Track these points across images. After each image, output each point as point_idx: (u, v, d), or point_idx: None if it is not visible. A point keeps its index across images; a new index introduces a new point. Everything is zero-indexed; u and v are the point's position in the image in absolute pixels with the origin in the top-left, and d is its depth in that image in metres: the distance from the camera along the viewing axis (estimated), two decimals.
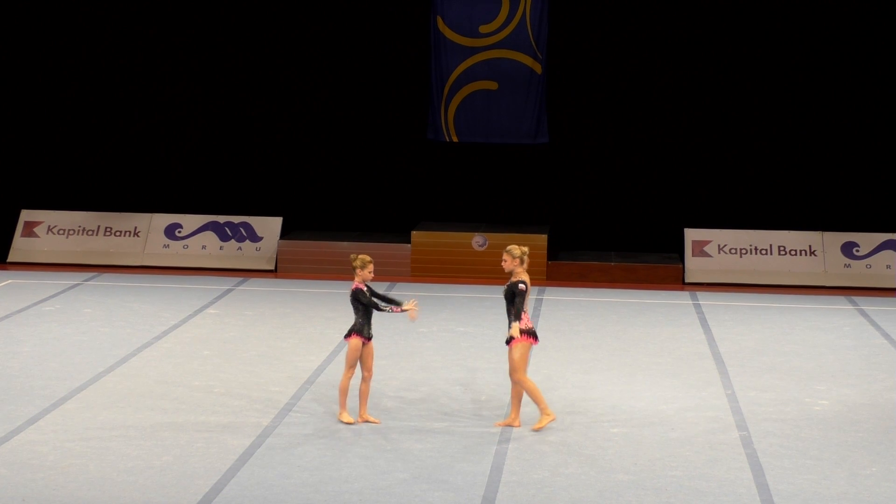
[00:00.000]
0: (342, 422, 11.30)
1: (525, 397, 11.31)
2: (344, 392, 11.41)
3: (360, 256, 11.46)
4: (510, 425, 11.29)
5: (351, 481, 9.85)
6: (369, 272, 11.41)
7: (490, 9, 18.79)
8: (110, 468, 10.03)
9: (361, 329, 11.32)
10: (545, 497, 9.61)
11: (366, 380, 11.43)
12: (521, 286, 11.09)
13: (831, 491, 9.86)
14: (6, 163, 20.16)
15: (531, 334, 11.17)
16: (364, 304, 11.31)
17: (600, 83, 19.43)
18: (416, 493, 9.61)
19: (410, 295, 17.35)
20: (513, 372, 11.18)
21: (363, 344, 11.35)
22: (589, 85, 19.43)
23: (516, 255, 11.22)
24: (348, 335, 11.35)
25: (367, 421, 11.38)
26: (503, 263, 11.25)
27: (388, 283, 18.07)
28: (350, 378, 11.38)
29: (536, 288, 17.28)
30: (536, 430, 11.14)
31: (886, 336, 15.29)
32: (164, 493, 9.53)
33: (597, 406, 11.93)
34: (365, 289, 11.34)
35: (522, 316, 11.14)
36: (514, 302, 11.12)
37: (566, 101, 19.38)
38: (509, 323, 11.14)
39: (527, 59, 18.85)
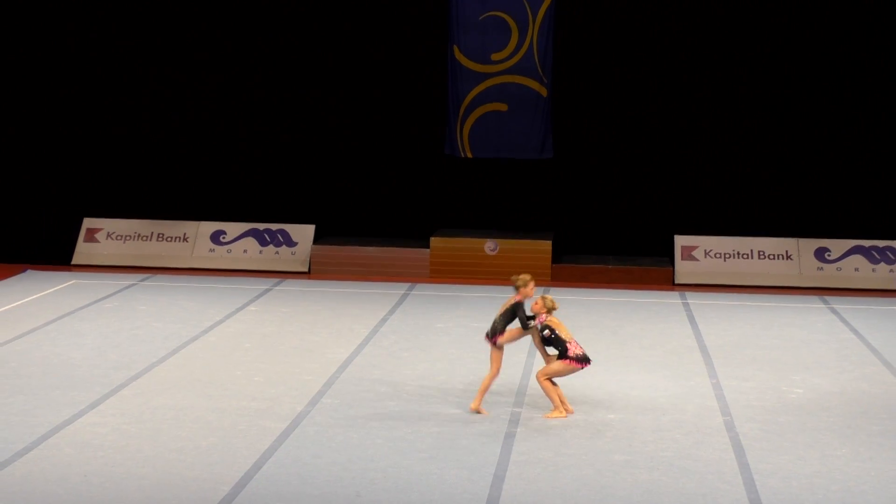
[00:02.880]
0: (478, 412, 11.13)
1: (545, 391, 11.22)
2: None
3: (520, 276, 11.23)
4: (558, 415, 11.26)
5: (376, 460, 9.86)
6: (531, 289, 11.18)
7: (501, 39, 18.80)
8: (162, 447, 10.07)
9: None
10: (550, 474, 9.62)
11: (493, 376, 11.29)
12: (546, 331, 11.05)
13: (805, 470, 9.85)
14: (71, 177, 20.23)
15: (580, 360, 11.02)
16: (518, 318, 11.08)
17: (599, 105, 19.43)
18: (433, 471, 9.63)
19: (429, 295, 17.36)
20: (540, 372, 11.14)
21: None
22: (589, 107, 19.43)
23: (548, 306, 11.13)
24: (494, 336, 11.12)
25: (478, 411, 11.23)
26: (534, 305, 11.17)
27: (409, 284, 18.08)
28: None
29: (542, 287, 17.30)
30: (545, 417, 11.13)
31: (855, 332, 15.25)
32: (210, 470, 9.56)
33: (596, 394, 11.93)
34: (524, 303, 11.15)
35: (568, 346, 11.02)
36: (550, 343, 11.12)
37: (569, 120, 19.38)
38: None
39: (533, 84, 18.86)
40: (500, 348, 11.25)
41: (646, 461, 9.96)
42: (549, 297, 11.29)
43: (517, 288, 11.28)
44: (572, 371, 11.11)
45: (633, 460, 9.98)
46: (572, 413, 11.21)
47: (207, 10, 19.87)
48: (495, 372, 11.27)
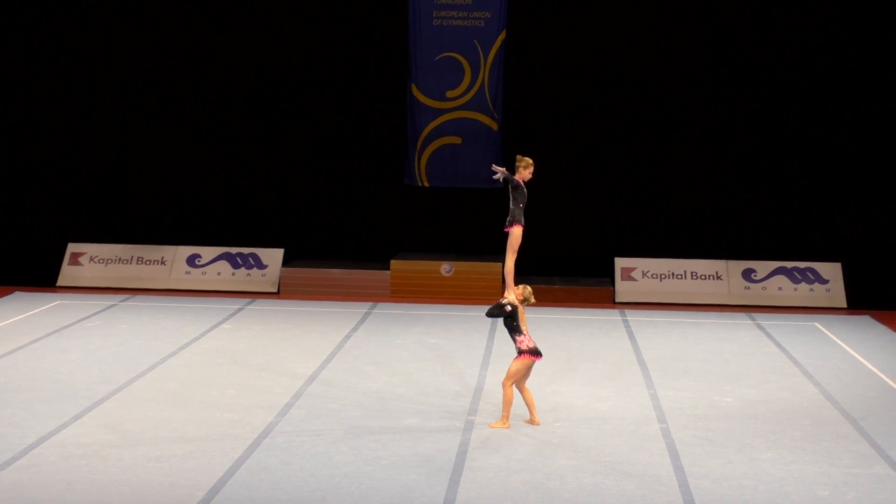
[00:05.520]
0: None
1: (511, 400, 11.16)
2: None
3: (525, 158, 11.24)
4: (530, 423, 11.21)
5: (341, 466, 9.83)
6: (528, 173, 11.18)
7: (455, 78, 18.87)
8: (142, 456, 9.99)
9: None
10: (501, 478, 9.62)
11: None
12: (508, 307, 10.99)
13: (735, 472, 9.91)
14: (56, 205, 20.09)
15: (532, 352, 11.02)
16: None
17: (545, 140, 19.52)
18: (394, 477, 9.61)
19: (390, 313, 17.35)
20: (505, 378, 11.11)
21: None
22: (536, 140, 19.50)
23: (524, 296, 11.12)
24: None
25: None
26: (515, 291, 11.07)
27: (371, 303, 18.05)
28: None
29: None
30: (490, 427, 11.10)
31: (779, 345, 15.37)
32: (186, 477, 9.50)
33: (543, 404, 11.93)
34: (520, 186, 11.11)
35: (522, 338, 10.99)
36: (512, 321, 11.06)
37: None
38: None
39: (485, 119, 18.93)
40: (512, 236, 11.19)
41: (589, 466, 9.98)
42: (529, 288, 11.19)
43: (517, 168, 11.23)
44: (528, 366, 11.00)
45: (578, 465, 10.00)
46: (538, 425, 11.16)
47: (178, 49, 19.81)
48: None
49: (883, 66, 19.05)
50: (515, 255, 11.23)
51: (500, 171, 11.30)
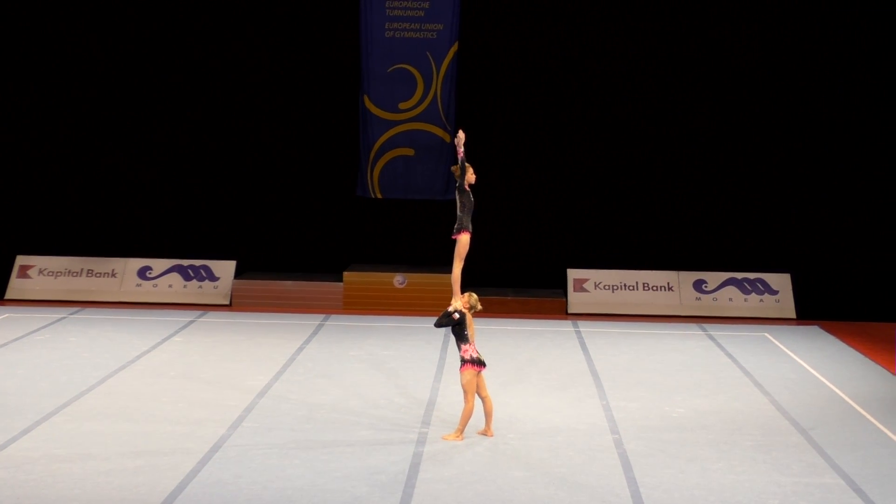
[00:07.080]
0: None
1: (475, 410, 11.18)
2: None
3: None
4: (483, 434, 11.19)
5: (293, 479, 9.78)
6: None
7: (407, 89, 18.89)
8: (91, 470, 9.89)
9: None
10: (454, 490, 9.61)
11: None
12: (455, 315, 11.02)
13: (687, 482, 9.96)
14: (4, 217, 19.87)
15: (475, 362, 11.03)
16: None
17: (497, 152, 19.58)
18: (346, 489, 9.58)
19: (342, 325, 17.30)
20: (464, 393, 11.08)
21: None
22: (488, 153, 19.56)
23: (471, 303, 11.17)
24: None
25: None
26: (461, 299, 11.14)
27: (324, 315, 17.99)
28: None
29: None
30: (443, 439, 11.09)
31: (730, 356, 15.49)
32: (137, 491, 9.41)
33: (496, 415, 11.91)
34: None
35: (466, 348, 11.01)
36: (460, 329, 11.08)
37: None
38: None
39: (438, 131, 18.95)
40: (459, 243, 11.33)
41: (542, 477, 10.00)
42: (475, 295, 11.23)
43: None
44: (474, 376, 10.98)
45: (531, 476, 10.01)
46: (491, 437, 11.16)
47: (124, 62, 19.68)
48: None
49: (832, 81, 19.29)
50: (462, 263, 11.31)
51: (459, 151, 11.32)
